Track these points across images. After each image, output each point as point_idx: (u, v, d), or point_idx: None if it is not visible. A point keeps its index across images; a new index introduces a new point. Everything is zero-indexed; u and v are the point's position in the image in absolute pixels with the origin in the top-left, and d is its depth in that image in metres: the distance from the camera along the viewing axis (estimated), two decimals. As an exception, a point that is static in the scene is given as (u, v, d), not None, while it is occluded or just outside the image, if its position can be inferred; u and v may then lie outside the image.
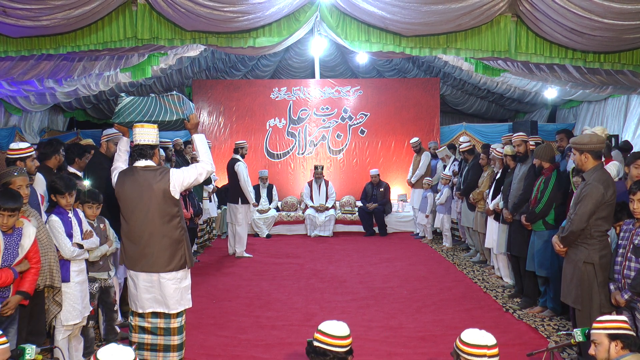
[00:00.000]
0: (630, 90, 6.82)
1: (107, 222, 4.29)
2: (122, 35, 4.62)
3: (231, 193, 7.98)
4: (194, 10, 4.29)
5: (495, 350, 2.28)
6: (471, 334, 2.33)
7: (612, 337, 2.51)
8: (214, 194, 8.58)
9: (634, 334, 2.54)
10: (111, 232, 4.30)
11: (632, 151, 6.06)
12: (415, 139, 9.45)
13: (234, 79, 12.05)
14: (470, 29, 4.92)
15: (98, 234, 4.05)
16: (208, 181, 8.12)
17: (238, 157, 7.92)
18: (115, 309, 4.47)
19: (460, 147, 7.55)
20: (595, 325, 2.61)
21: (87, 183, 4.49)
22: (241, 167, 7.75)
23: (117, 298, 4.80)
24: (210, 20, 4.50)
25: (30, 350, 2.52)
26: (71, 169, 4.75)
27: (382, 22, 4.80)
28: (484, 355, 2.26)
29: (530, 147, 5.58)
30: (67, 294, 3.66)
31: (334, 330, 2.39)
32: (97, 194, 4.12)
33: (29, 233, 3.24)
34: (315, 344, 2.38)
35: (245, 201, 7.81)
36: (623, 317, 2.63)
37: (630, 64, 5.06)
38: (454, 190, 7.80)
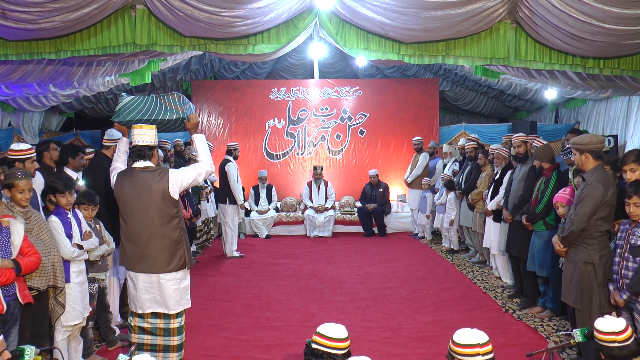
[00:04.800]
0: (630, 92, 6.83)
1: (101, 223, 4.29)
2: (122, 41, 4.63)
3: (220, 193, 8.05)
4: (192, 14, 4.29)
5: (488, 348, 2.29)
6: (463, 334, 2.33)
7: (598, 348, 2.53)
8: (211, 194, 8.59)
9: (625, 344, 2.49)
10: (106, 234, 4.29)
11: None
12: (418, 138, 9.49)
13: (232, 75, 12.04)
14: (470, 36, 4.91)
15: (96, 235, 4.04)
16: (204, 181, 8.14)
17: (230, 158, 8.01)
18: (110, 310, 4.46)
19: (466, 145, 7.52)
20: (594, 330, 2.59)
21: (81, 183, 4.47)
22: (231, 168, 7.83)
23: (117, 299, 4.79)
24: (208, 24, 4.50)
25: (30, 351, 2.51)
26: (67, 170, 4.75)
27: (381, 28, 4.79)
28: (477, 354, 2.26)
29: (537, 143, 5.54)
30: (67, 294, 3.65)
31: (333, 332, 2.39)
32: (92, 195, 4.10)
33: (17, 230, 3.22)
34: (314, 346, 2.38)
35: (233, 201, 7.86)
36: (615, 327, 2.51)
37: (630, 69, 5.05)
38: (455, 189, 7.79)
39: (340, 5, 4.72)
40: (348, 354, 2.40)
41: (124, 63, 6.27)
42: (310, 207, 9.68)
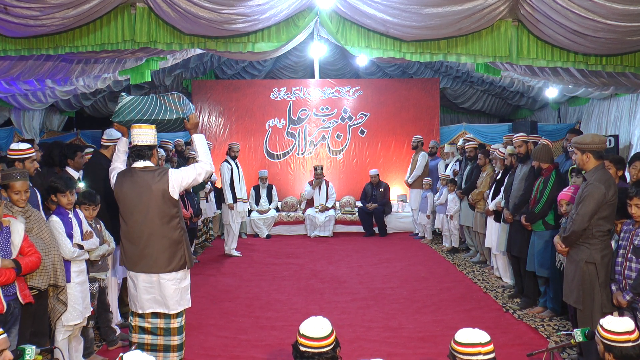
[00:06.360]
0: (631, 90, 6.82)
1: (102, 223, 4.28)
2: (120, 38, 4.63)
3: (221, 193, 8.16)
4: (193, 11, 4.29)
5: (490, 347, 2.30)
6: (464, 333, 2.35)
7: (607, 348, 2.51)
8: (211, 193, 8.60)
9: (637, 343, 2.46)
10: (107, 234, 4.29)
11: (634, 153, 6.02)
12: (418, 136, 9.53)
13: (233, 72, 12.01)
14: (471, 34, 4.91)
15: (96, 235, 4.04)
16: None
17: (228, 157, 8.10)
18: (110, 309, 4.46)
19: (466, 145, 7.51)
20: (598, 327, 2.57)
21: (81, 185, 4.47)
22: (223, 168, 7.96)
23: (115, 298, 4.79)
24: (209, 22, 4.50)
25: (30, 350, 2.51)
26: (68, 169, 4.74)
27: (383, 25, 4.79)
28: (479, 353, 2.28)
29: (543, 142, 5.52)
30: (68, 294, 3.65)
31: (316, 332, 2.36)
32: (93, 195, 4.09)
33: (17, 230, 3.22)
34: (302, 349, 2.36)
35: (231, 200, 7.90)
36: (627, 327, 2.49)
37: (632, 66, 5.05)
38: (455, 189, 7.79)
39: (341, 3, 4.71)
40: (337, 345, 2.39)
41: (121, 60, 6.25)
42: (307, 191, 9.74)
